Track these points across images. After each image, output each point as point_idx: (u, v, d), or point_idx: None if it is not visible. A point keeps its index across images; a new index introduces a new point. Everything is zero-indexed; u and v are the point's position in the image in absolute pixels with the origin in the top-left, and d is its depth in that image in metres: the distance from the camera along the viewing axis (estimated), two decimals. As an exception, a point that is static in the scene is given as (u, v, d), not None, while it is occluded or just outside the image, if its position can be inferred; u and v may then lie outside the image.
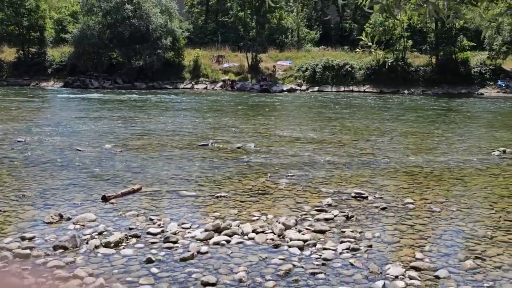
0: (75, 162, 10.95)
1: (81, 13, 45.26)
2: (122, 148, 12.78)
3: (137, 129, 16.63)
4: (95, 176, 9.72)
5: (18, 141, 13.52)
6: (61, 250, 5.75)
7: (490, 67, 39.49)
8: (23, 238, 6.14)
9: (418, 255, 5.82)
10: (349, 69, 41.12)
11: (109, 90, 38.35)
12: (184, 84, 42.67)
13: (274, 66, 44.03)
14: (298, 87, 41.20)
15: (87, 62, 41.85)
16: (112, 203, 7.81)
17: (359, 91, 39.95)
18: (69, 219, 6.93)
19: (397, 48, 40.66)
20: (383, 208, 7.65)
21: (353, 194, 8.39)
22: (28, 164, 10.70)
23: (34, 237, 6.22)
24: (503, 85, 38.21)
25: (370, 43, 4.09)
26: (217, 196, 8.27)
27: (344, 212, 7.37)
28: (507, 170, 10.59)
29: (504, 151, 12.56)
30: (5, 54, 45.14)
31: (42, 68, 43.55)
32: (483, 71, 39.45)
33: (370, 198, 8.25)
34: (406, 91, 39.08)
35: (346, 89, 40.56)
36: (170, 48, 43.53)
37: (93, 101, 28.73)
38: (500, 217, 7.34)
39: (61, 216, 6.97)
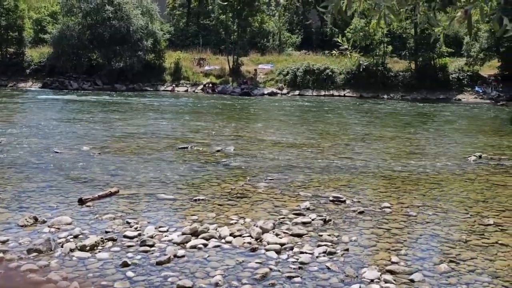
0: (52, 164, 10.81)
1: (61, 14, 44.68)
2: (100, 150, 12.66)
3: (116, 132, 16.49)
4: (72, 179, 9.61)
5: (-6, 142, 13.31)
6: (35, 254, 5.66)
7: (467, 73, 40.02)
8: (-4, 241, 6.05)
9: (394, 258, 5.88)
10: (330, 73, 41.30)
11: (88, 91, 37.97)
12: (165, 86, 42.43)
13: (255, 70, 44.04)
14: (279, 91, 41.28)
15: (66, 63, 41.32)
16: (89, 206, 7.73)
17: (339, 96, 40.18)
18: (44, 222, 6.84)
19: (377, 53, 40.99)
20: (361, 212, 7.71)
21: (331, 198, 8.43)
22: (3, 166, 10.53)
23: (7, 240, 6.13)
24: (480, 91, 38.79)
25: (346, 46, 4.12)
26: (195, 199, 8.24)
27: (322, 216, 7.41)
28: (483, 175, 10.76)
29: (480, 156, 12.75)
30: (-18, 54, 44.40)
31: (20, 69, 42.90)
32: (461, 77, 39.97)
33: (347, 202, 8.30)
34: (385, 96, 39.42)
35: (326, 93, 40.72)
36: (151, 50, 43.29)
37: (71, 103, 28.44)
38: (475, 221, 7.46)
39: (36, 219, 6.87)
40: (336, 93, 40.74)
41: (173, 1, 56.02)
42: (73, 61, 41.54)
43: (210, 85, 41.79)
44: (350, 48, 3.99)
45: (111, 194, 8.36)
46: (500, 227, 7.16)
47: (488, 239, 6.68)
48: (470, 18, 2.56)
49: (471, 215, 7.77)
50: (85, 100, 30.03)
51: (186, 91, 41.61)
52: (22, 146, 12.93)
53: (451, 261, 5.85)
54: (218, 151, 12.99)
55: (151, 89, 41.35)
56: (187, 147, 13.36)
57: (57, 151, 12.32)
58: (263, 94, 39.93)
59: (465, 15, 2.55)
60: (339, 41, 4.07)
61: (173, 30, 52.06)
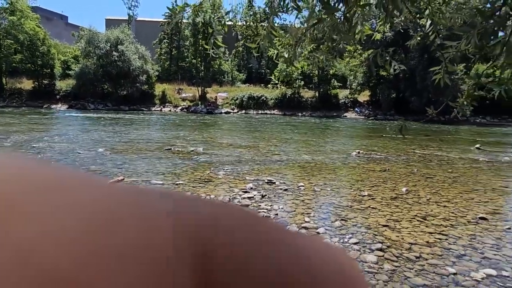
0: (76, 161, 10.29)
1: (81, 57, 42.56)
2: (111, 151, 12.16)
3: (122, 138, 15.88)
4: (91, 171, 9.16)
5: (33, 146, 12.49)
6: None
7: (350, 99, 41.29)
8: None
9: (307, 219, 5.99)
10: (264, 99, 41.49)
11: (101, 111, 36.31)
12: (155, 107, 41.23)
13: (216, 96, 43.62)
14: (231, 110, 41.07)
15: (85, 91, 39.44)
16: (103, 190, 7.39)
17: (270, 113, 40.44)
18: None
19: (294, 86, 41.63)
20: (285, 189, 7.80)
21: (266, 181, 8.49)
22: (41, 163, 9.89)
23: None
24: (358, 111, 40.22)
25: (277, 81, 4.17)
26: (177, 184, 8.07)
27: (260, 192, 7.45)
28: (360, 164, 11.17)
29: (358, 152, 13.21)
30: (24, 84, 41.50)
31: (52, 95, 40.32)
32: (346, 102, 41.23)
33: (277, 183, 8.38)
34: (300, 114, 40.05)
35: (262, 112, 40.86)
36: (145, 82, 41.94)
37: (90, 119, 27.11)
38: (356, 193, 7.72)
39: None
40: (268, 112, 40.99)
41: (160, 50, 54.59)
42: (91, 90, 39.69)
43: (186, 106, 41.07)
44: (279, 83, 4.06)
45: (118, 181, 8.02)
46: (371, 197, 7.46)
47: (364, 204, 6.94)
48: (370, 62, 2.67)
49: (353, 189, 8.04)
50: (99, 117, 28.69)
51: (170, 111, 40.57)
52: (54, 149, 12.21)
53: (342, 219, 6.03)
54: (191, 150, 12.77)
55: (146, 109, 40.06)
56: (170, 148, 13.06)
57: (80, 152, 11.73)
58: (221, 113, 39.60)
59: (368, 61, 2.66)
60: (273, 78, 4.12)
61: (160, 69, 50.76)
